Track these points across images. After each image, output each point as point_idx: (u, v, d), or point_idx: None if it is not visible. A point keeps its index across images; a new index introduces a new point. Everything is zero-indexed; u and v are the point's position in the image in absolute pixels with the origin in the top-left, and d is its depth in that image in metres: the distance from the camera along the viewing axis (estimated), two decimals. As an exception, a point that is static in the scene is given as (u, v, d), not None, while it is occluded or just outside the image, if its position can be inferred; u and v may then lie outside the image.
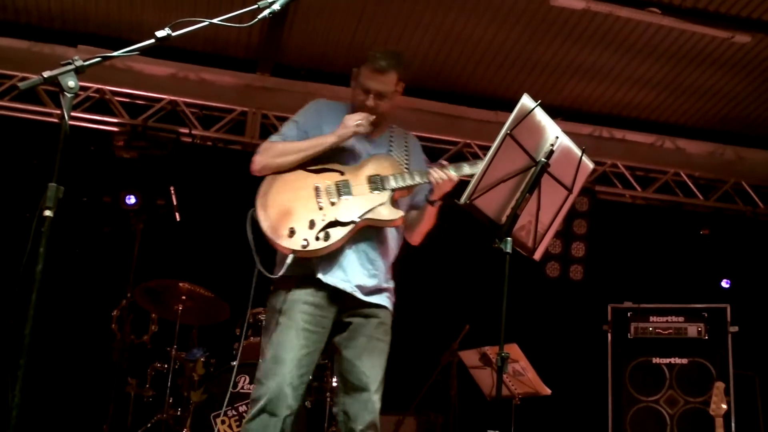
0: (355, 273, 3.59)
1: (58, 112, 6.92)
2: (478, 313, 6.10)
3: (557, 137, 3.45)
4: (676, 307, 6.92)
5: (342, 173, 3.67)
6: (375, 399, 3.56)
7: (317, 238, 3.50)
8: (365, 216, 3.58)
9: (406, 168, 3.74)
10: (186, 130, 7.43)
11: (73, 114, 2.51)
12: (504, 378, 5.63)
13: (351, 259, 3.59)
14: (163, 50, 6.95)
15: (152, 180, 7.17)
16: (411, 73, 3.81)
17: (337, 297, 3.58)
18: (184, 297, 5.85)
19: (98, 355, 6.42)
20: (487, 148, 3.35)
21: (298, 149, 3.66)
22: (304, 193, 3.61)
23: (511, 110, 3.34)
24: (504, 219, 3.37)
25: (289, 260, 3.48)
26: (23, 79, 6.83)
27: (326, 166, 3.67)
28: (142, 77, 7.29)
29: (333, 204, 3.59)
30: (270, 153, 3.68)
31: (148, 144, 7.20)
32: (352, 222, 3.55)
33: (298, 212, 3.55)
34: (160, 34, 2.63)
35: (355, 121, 3.64)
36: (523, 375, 6.04)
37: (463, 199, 3.25)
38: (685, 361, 6.75)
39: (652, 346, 6.87)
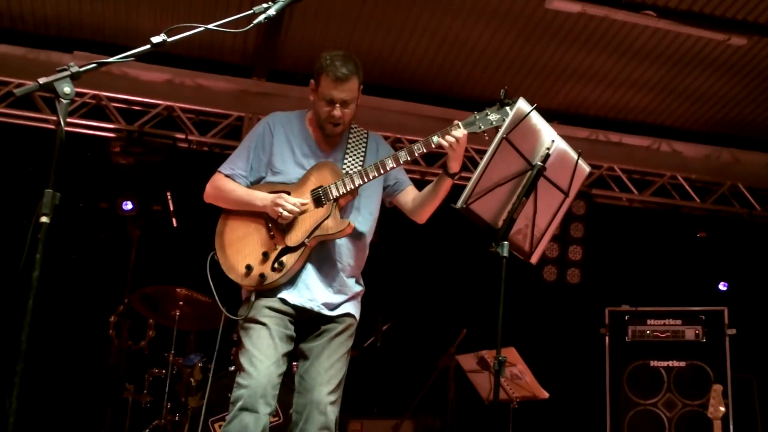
0: (321, 291, 3.60)
1: (54, 118, 6.90)
2: (475, 316, 6.10)
3: (553, 141, 3.45)
4: (673, 310, 6.91)
5: (289, 193, 3.61)
6: (328, 400, 3.51)
7: (273, 269, 3.52)
8: (313, 235, 3.55)
9: (358, 169, 3.65)
10: (182, 136, 7.42)
11: (69, 120, 2.51)
12: (502, 382, 5.63)
13: (314, 277, 3.60)
14: (158, 56, 6.99)
15: (149, 186, 7.17)
16: (364, 71, 3.70)
17: (303, 310, 3.58)
18: (181, 302, 5.85)
19: (95, 361, 6.42)
20: (484, 152, 3.35)
21: (235, 199, 3.68)
22: (257, 225, 3.63)
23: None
24: (500, 223, 3.37)
25: (252, 297, 3.54)
26: (19, 85, 6.83)
27: (275, 189, 3.64)
28: (138, 83, 7.28)
29: (283, 230, 3.58)
30: (215, 189, 3.76)
31: (144, 150, 7.19)
32: (302, 245, 3.54)
33: (251, 247, 3.59)
34: (155, 39, 2.64)
35: (285, 210, 3.53)
36: (521, 379, 6.04)
37: (459, 204, 3.25)
38: (682, 364, 6.74)
39: (649, 349, 6.85)
